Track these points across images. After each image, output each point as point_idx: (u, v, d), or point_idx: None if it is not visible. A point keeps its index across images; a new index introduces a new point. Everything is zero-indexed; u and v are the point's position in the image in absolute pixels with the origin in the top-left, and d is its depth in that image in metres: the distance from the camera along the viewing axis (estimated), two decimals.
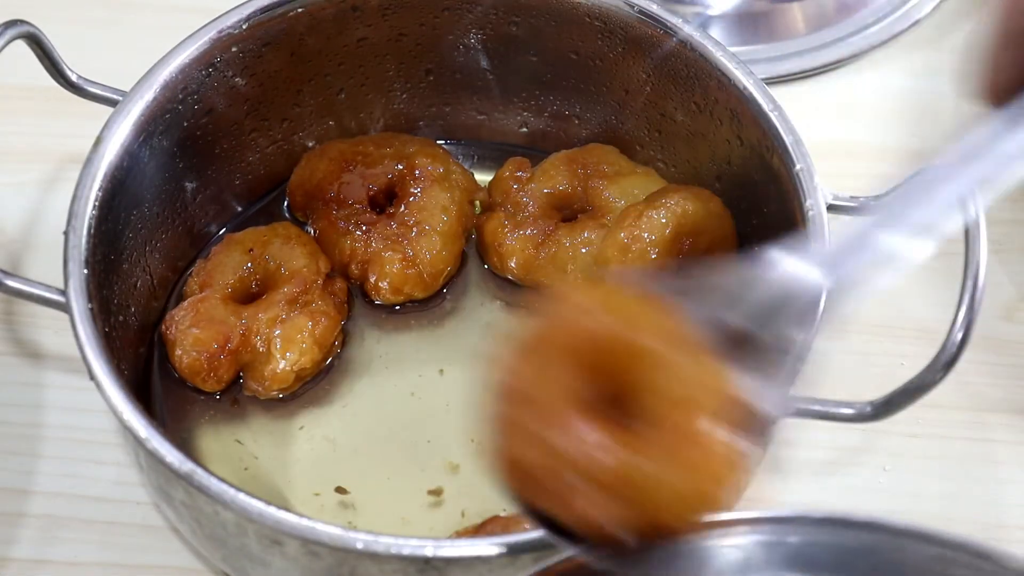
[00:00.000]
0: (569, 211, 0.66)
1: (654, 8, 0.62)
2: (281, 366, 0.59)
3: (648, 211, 0.59)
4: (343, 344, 0.63)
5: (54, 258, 0.54)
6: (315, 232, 0.66)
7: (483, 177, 0.68)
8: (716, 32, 0.77)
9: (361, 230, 0.64)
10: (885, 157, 0.74)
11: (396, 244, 0.63)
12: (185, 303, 0.61)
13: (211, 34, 0.61)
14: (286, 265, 0.62)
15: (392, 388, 0.62)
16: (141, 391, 0.60)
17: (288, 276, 0.61)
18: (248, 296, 0.62)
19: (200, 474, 0.48)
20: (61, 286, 0.53)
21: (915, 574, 0.36)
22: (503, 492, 0.37)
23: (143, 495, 0.59)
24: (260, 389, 0.60)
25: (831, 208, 0.57)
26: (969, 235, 0.51)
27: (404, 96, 0.70)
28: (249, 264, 0.62)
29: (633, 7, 0.62)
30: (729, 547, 0.37)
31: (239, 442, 0.60)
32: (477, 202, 0.67)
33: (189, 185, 0.65)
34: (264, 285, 0.62)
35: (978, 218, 0.51)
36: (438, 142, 0.70)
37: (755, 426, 0.36)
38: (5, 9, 0.64)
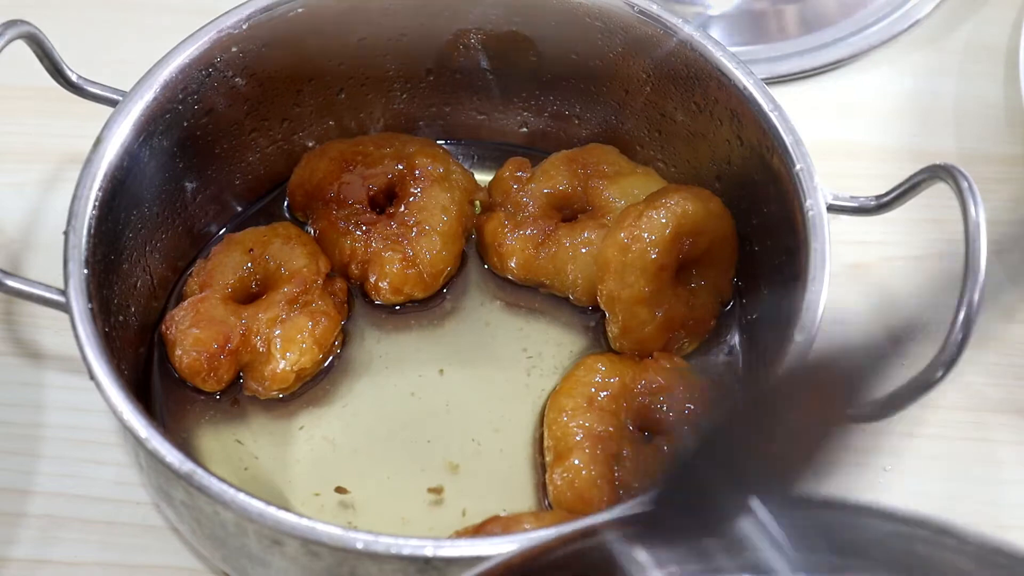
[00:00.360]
0: (569, 211, 0.66)
1: (654, 8, 0.62)
2: (281, 366, 0.59)
3: (648, 211, 0.59)
4: (343, 344, 0.63)
5: (54, 258, 0.54)
6: (315, 232, 0.66)
7: (483, 177, 0.68)
8: (716, 32, 0.77)
9: (361, 230, 0.64)
10: (885, 157, 0.74)
11: (396, 244, 0.63)
12: (185, 303, 0.61)
13: (211, 34, 0.61)
14: (286, 265, 0.62)
15: (392, 388, 0.62)
16: (141, 391, 0.60)
17: (288, 276, 0.61)
18: (248, 296, 0.62)
19: (200, 474, 0.48)
20: (61, 286, 0.53)
21: (877, 551, 0.36)
22: None
23: (143, 495, 0.59)
24: (260, 389, 0.60)
25: (831, 208, 0.57)
26: (969, 235, 0.51)
27: (404, 96, 0.70)
28: (249, 264, 0.62)
29: (633, 7, 0.62)
30: None
31: (239, 442, 0.60)
32: (477, 202, 0.67)
33: (189, 185, 0.65)
34: (264, 285, 0.62)
35: (978, 218, 0.51)
36: (438, 142, 0.70)
37: None
38: (5, 9, 0.64)
